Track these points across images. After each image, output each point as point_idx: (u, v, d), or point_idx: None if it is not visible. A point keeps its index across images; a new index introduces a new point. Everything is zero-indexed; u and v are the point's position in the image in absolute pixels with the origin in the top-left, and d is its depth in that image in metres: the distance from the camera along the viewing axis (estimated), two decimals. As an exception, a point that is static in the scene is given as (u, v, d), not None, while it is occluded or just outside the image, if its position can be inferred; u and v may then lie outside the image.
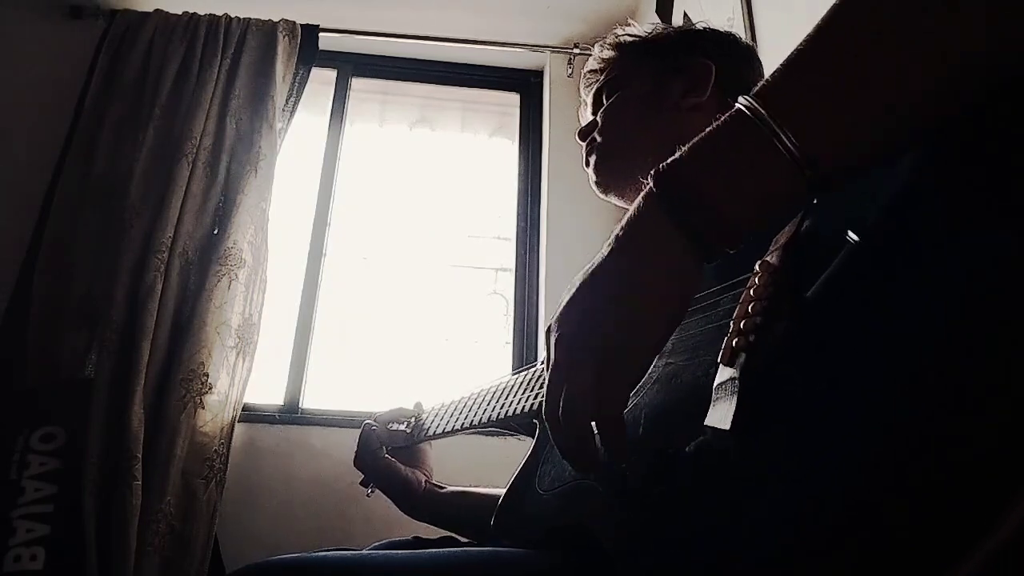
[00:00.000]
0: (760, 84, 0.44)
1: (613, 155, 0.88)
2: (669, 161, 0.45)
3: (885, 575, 0.32)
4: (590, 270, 0.48)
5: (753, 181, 0.42)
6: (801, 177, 0.41)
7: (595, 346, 0.46)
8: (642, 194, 0.47)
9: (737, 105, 0.44)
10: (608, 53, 0.95)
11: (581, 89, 1.00)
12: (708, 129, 0.45)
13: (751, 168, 0.42)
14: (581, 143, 0.94)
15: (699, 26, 0.97)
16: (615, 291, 0.46)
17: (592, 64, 0.98)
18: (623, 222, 0.47)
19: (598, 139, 0.91)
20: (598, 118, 0.92)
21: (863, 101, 0.40)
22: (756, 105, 0.42)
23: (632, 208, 0.47)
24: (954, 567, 0.29)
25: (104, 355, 1.82)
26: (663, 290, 0.45)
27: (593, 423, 0.47)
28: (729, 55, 0.92)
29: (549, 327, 0.50)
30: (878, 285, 0.40)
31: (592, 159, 0.91)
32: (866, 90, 0.40)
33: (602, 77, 0.95)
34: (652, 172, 0.46)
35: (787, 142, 0.41)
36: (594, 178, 0.91)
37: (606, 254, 0.48)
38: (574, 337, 0.48)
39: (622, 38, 0.95)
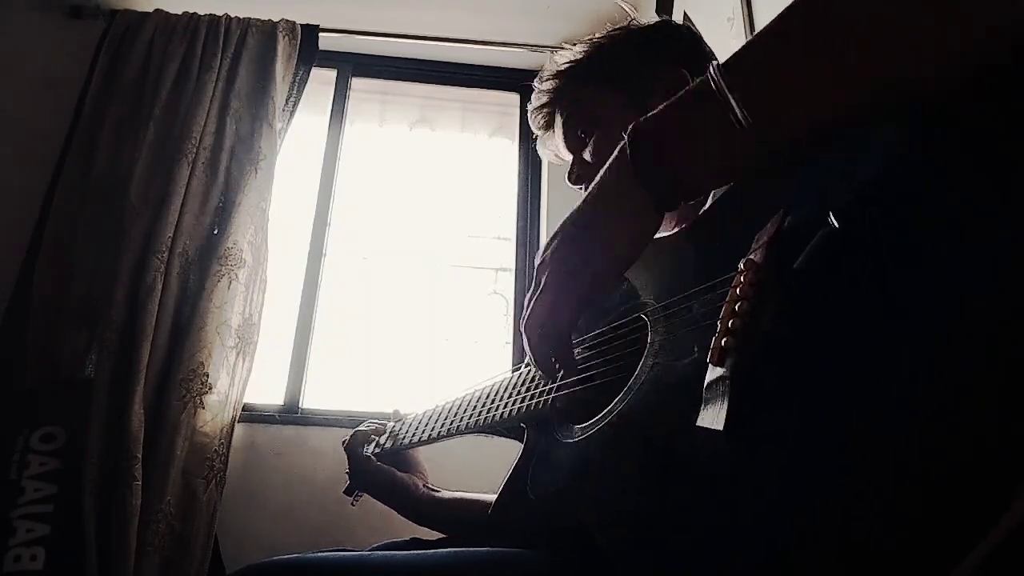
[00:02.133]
0: (732, 54, 0.47)
1: None
2: (644, 117, 0.51)
3: (883, 573, 0.32)
4: (569, 214, 0.57)
5: (707, 146, 0.48)
6: (751, 145, 0.44)
7: (559, 271, 0.56)
8: (620, 145, 0.53)
9: (707, 71, 0.47)
10: (552, 83, 0.92)
11: (534, 125, 0.97)
12: (682, 91, 0.50)
13: (706, 133, 0.47)
14: (577, 187, 0.91)
15: (635, 26, 0.93)
16: (581, 228, 0.55)
17: (538, 100, 0.95)
18: (602, 170, 0.55)
19: None
20: (588, 158, 0.88)
21: (818, 82, 0.43)
22: (718, 75, 0.46)
23: (611, 157, 0.54)
24: (953, 567, 0.29)
25: (104, 355, 1.82)
26: (619, 229, 0.53)
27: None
28: (687, 51, 0.90)
29: (537, 259, 0.59)
30: (864, 279, 0.40)
31: None
32: (822, 72, 0.43)
33: (559, 111, 0.92)
34: (631, 125, 0.52)
35: (738, 113, 0.44)
36: None
37: (585, 197, 0.56)
38: (546, 264, 0.58)
39: (563, 65, 0.92)
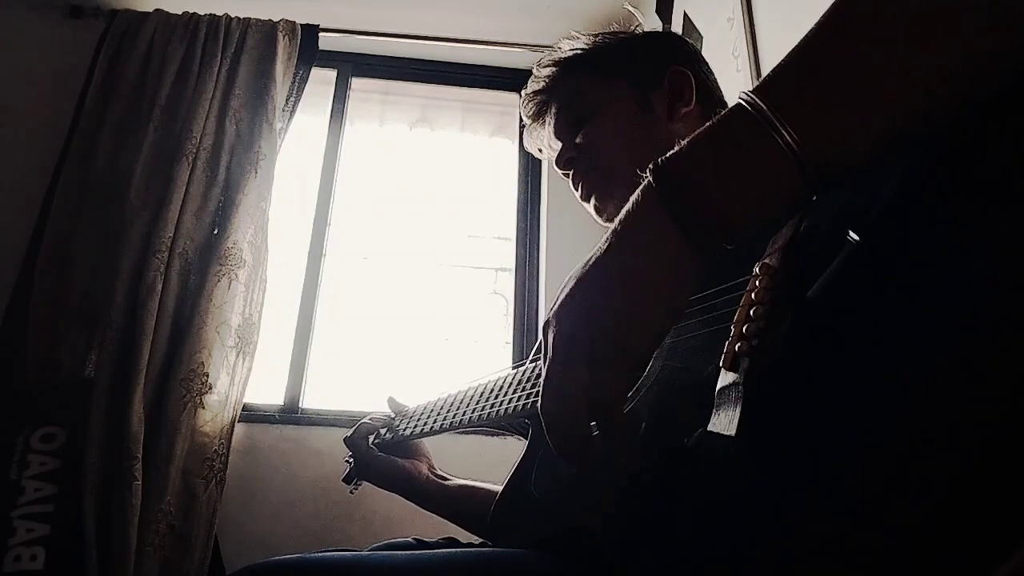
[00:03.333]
0: (762, 79, 0.44)
1: (615, 185, 0.84)
2: (668, 155, 0.45)
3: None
4: (589, 264, 0.48)
5: (752, 177, 0.42)
6: (800, 174, 0.41)
7: (593, 344, 0.45)
8: (640, 188, 0.46)
9: (738, 100, 0.43)
10: (550, 70, 0.91)
11: (525, 114, 0.95)
12: (708, 124, 0.45)
13: (751, 164, 0.42)
14: (563, 172, 0.91)
15: (641, 30, 0.95)
16: (614, 287, 0.46)
17: (534, 85, 0.93)
18: (621, 216, 0.47)
19: (589, 169, 0.88)
20: (580, 140, 0.88)
21: (863, 99, 0.40)
22: (757, 100, 0.42)
23: (630, 202, 0.47)
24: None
25: (104, 355, 1.82)
26: (663, 286, 0.45)
27: (592, 422, 0.46)
28: (689, 56, 0.91)
29: (547, 321, 0.50)
30: (880, 286, 0.40)
31: (593, 194, 0.88)
32: (867, 88, 0.40)
33: (555, 98, 0.91)
34: (650, 166, 0.46)
35: (787, 138, 0.40)
36: (597, 206, 0.88)
37: (604, 248, 0.47)
38: (572, 334, 0.47)
39: (565, 53, 0.91)
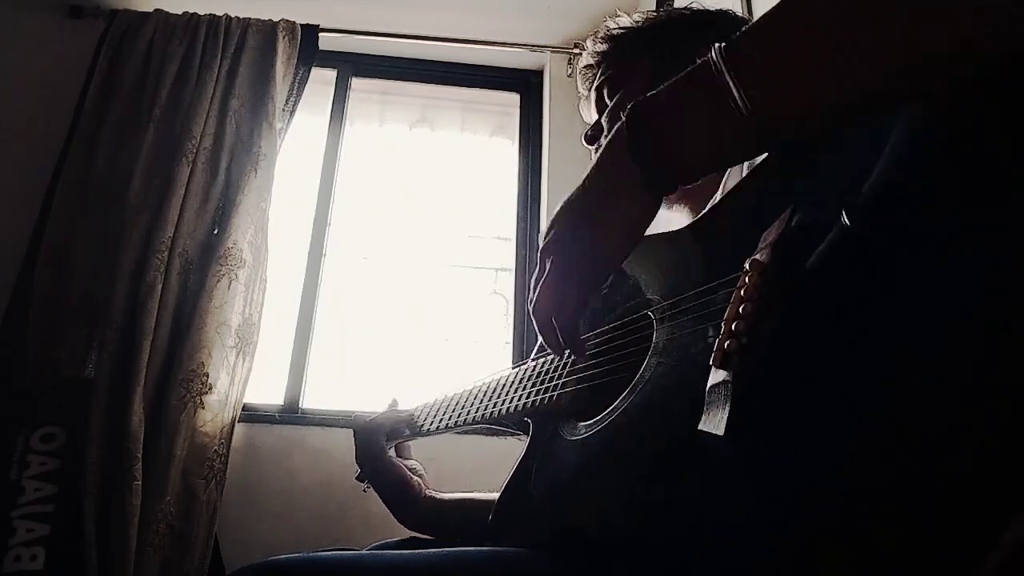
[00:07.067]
0: (732, 39, 0.47)
1: None
2: (643, 98, 0.51)
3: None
4: (570, 195, 0.57)
5: (705, 128, 0.47)
6: (749, 134, 0.44)
7: (563, 261, 0.57)
8: (617, 126, 0.52)
9: (707, 56, 0.47)
10: (602, 47, 0.93)
11: (580, 85, 0.98)
12: (682, 73, 0.49)
13: (705, 115, 0.47)
14: (589, 147, 0.92)
15: (691, 8, 0.95)
16: (581, 216, 0.55)
17: (587, 59, 0.96)
18: (600, 152, 0.54)
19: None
20: (603, 121, 0.89)
21: (818, 69, 0.42)
22: (719, 58, 0.45)
23: (609, 137, 0.53)
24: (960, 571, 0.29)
25: (104, 355, 1.82)
26: (619, 217, 0.53)
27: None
28: (724, 37, 0.91)
29: (544, 246, 0.59)
30: (871, 283, 0.39)
31: None
32: (822, 60, 0.42)
33: (599, 73, 0.93)
34: (627, 107, 0.51)
35: (737, 97, 0.44)
36: None
37: (583, 180, 0.56)
38: (548, 250, 0.58)
39: (615, 30, 0.93)
